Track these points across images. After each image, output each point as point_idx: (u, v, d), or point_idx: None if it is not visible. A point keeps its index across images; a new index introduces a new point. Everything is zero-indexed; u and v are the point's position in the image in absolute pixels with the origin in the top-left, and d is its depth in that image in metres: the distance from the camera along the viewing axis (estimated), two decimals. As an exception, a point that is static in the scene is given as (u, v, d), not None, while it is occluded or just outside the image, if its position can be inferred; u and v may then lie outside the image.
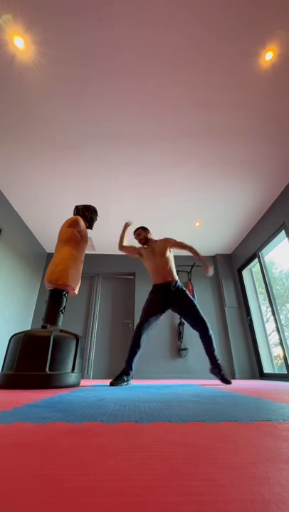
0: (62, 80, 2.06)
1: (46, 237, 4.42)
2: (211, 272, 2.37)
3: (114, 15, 1.70)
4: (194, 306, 2.28)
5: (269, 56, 1.89)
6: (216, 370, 2.16)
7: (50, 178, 3.10)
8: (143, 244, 2.69)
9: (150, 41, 1.83)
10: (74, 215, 2.66)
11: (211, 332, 2.22)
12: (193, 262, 4.80)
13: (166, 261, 2.48)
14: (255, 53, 1.88)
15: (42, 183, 3.18)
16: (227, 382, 2.13)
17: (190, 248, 2.50)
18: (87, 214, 2.61)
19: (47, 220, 3.96)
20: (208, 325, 2.24)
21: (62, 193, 3.37)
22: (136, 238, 2.71)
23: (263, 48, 1.85)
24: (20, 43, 1.82)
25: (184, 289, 2.40)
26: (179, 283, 2.42)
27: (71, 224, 2.39)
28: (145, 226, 2.77)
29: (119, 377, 2.03)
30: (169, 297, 2.33)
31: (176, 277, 2.45)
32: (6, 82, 2.07)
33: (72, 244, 2.31)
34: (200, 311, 2.28)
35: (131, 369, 2.10)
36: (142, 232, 2.68)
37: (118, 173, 3.03)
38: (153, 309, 2.28)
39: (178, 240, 2.67)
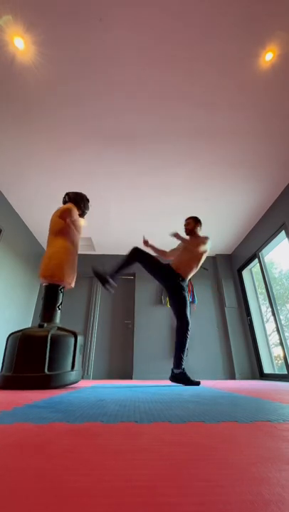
0: (62, 80, 2.06)
1: (46, 236, 4.41)
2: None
3: (115, 16, 1.70)
4: (183, 301, 2.26)
5: (269, 57, 1.89)
6: (173, 366, 2.17)
7: (50, 178, 3.10)
8: (187, 234, 2.60)
9: (150, 41, 1.83)
10: (64, 203, 2.47)
11: (185, 339, 2.17)
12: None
13: (189, 257, 2.40)
14: (255, 54, 1.88)
15: (42, 183, 3.18)
16: (173, 380, 2.14)
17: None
18: (79, 202, 2.42)
19: (47, 220, 3.95)
20: (187, 326, 2.19)
21: (62, 193, 3.36)
22: (184, 226, 2.64)
23: (262, 49, 1.85)
24: (21, 44, 1.82)
25: (184, 287, 2.37)
26: (184, 281, 2.38)
27: (62, 213, 2.20)
28: (199, 218, 2.63)
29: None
30: (169, 277, 2.35)
31: (188, 277, 2.39)
32: (6, 83, 2.07)
33: (65, 235, 2.16)
34: (186, 309, 2.24)
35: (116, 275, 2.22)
36: (191, 223, 2.60)
37: (118, 174, 3.03)
38: (158, 268, 2.34)
39: (204, 254, 2.45)
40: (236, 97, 2.18)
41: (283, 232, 3.28)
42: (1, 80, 2.05)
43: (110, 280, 2.16)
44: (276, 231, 3.39)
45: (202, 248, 2.40)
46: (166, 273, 2.35)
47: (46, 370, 1.69)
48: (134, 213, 3.76)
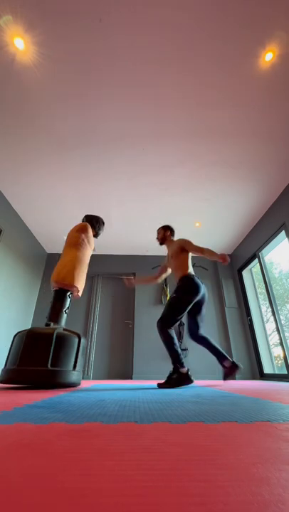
0: (62, 80, 2.06)
1: (46, 237, 4.42)
2: (228, 259, 2.13)
3: (115, 16, 1.70)
4: (169, 303, 2.16)
5: (269, 57, 1.89)
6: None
7: (50, 178, 3.10)
8: (160, 244, 2.63)
9: (150, 42, 1.83)
10: (82, 221, 2.76)
11: (164, 341, 2.06)
12: (193, 263, 4.79)
13: (178, 263, 2.35)
14: (255, 54, 1.88)
15: (42, 183, 3.18)
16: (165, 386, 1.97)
17: (206, 252, 2.23)
18: (95, 224, 2.70)
19: (47, 221, 3.96)
20: (162, 328, 2.07)
21: (63, 194, 3.37)
22: (156, 238, 2.66)
23: (262, 49, 1.85)
24: (21, 44, 1.83)
25: (180, 288, 2.26)
26: (183, 280, 2.28)
27: (80, 229, 2.47)
28: (167, 225, 2.63)
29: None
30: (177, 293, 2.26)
31: (187, 273, 2.31)
32: (6, 83, 2.07)
33: (80, 248, 2.39)
34: (170, 310, 2.12)
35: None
36: (160, 232, 2.62)
37: (118, 174, 3.03)
38: (181, 306, 2.19)
39: (193, 244, 2.37)
40: (236, 97, 2.19)
41: (283, 232, 3.28)
42: (1, 80, 2.05)
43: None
44: (276, 231, 3.39)
45: (182, 246, 2.37)
46: (177, 297, 2.22)
47: (49, 366, 1.73)
48: (134, 213, 3.76)
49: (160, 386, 1.95)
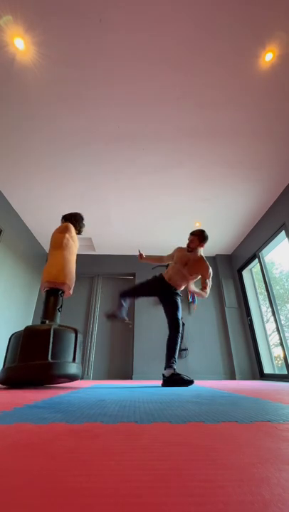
0: (62, 80, 2.06)
1: (46, 237, 4.42)
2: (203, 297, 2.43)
3: (115, 17, 1.70)
4: (175, 304, 2.34)
5: (269, 57, 1.89)
6: (166, 371, 2.14)
7: (50, 178, 3.10)
8: (189, 251, 2.42)
9: (150, 42, 1.83)
10: (62, 223, 2.76)
11: (176, 339, 2.23)
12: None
13: (188, 278, 2.43)
14: (255, 54, 1.88)
15: (42, 183, 3.18)
16: (166, 384, 2.09)
17: (204, 291, 2.39)
18: (74, 222, 2.71)
19: (47, 221, 3.96)
20: (176, 331, 2.25)
21: (62, 194, 3.37)
22: (188, 239, 2.44)
23: (262, 49, 1.85)
24: (21, 44, 1.83)
25: (178, 293, 2.44)
26: (177, 290, 2.44)
27: (63, 230, 2.50)
28: (206, 236, 2.41)
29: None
30: (162, 290, 2.44)
31: (180, 288, 2.46)
32: (6, 83, 2.07)
33: (66, 247, 2.41)
34: (177, 313, 2.31)
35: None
36: (195, 241, 2.39)
37: (118, 174, 3.03)
38: (147, 290, 2.53)
39: (207, 280, 2.39)
40: (236, 97, 2.19)
41: (283, 232, 3.28)
42: (1, 80, 2.05)
43: (121, 306, 2.35)
44: (276, 231, 3.39)
45: (203, 272, 2.39)
46: (154, 285, 2.45)
47: (50, 359, 1.74)
48: (134, 213, 3.76)
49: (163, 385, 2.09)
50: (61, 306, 2.26)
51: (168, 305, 2.38)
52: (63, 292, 2.32)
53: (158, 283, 2.45)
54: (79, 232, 2.74)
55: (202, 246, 2.43)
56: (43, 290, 2.30)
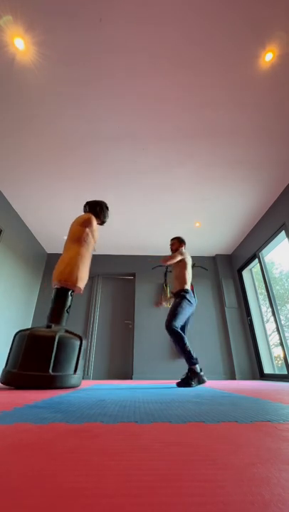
0: (62, 80, 2.06)
1: (46, 237, 4.42)
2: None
3: (115, 16, 1.70)
4: (171, 310, 2.36)
5: (269, 57, 1.89)
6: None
7: (50, 178, 3.10)
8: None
9: (150, 43, 1.83)
10: (84, 211, 2.56)
11: (176, 345, 2.24)
12: (193, 263, 4.79)
13: (175, 274, 2.61)
14: (255, 54, 1.88)
15: (42, 183, 3.18)
16: (181, 385, 2.06)
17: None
18: (99, 212, 2.52)
19: (47, 220, 3.96)
20: (171, 332, 2.25)
21: (63, 193, 3.37)
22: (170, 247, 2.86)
23: (262, 49, 1.85)
24: (21, 44, 1.83)
25: (178, 295, 2.48)
26: (182, 293, 2.47)
27: (84, 222, 2.31)
28: (181, 238, 2.83)
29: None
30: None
31: (184, 286, 2.51)
32: (6, 83, 2.07)
33: (82, 243, 2.26)
34: (173, 316, 2.30)
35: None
36: (175, 243, 2.79)
37: (118, 174, 3.03)
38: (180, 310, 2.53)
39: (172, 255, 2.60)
40: (236, 97, 2.19)
41: (283, 232, 3.28)
42: (2, 80, 2.05)
43: (198, 374, 2.15)
44: (276, 231, 3.39)
45: (177, 259, 2.54)
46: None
47: (51, 371, 1.72)
48: (134, 213, 3.76)
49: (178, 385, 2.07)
50: (70, 307, 2.18)
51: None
52: (73, 291, 2.23)
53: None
54: (102, 223, 2.55)
55: (182, 246, 2.78)
56: (53, 286, 2.20)
